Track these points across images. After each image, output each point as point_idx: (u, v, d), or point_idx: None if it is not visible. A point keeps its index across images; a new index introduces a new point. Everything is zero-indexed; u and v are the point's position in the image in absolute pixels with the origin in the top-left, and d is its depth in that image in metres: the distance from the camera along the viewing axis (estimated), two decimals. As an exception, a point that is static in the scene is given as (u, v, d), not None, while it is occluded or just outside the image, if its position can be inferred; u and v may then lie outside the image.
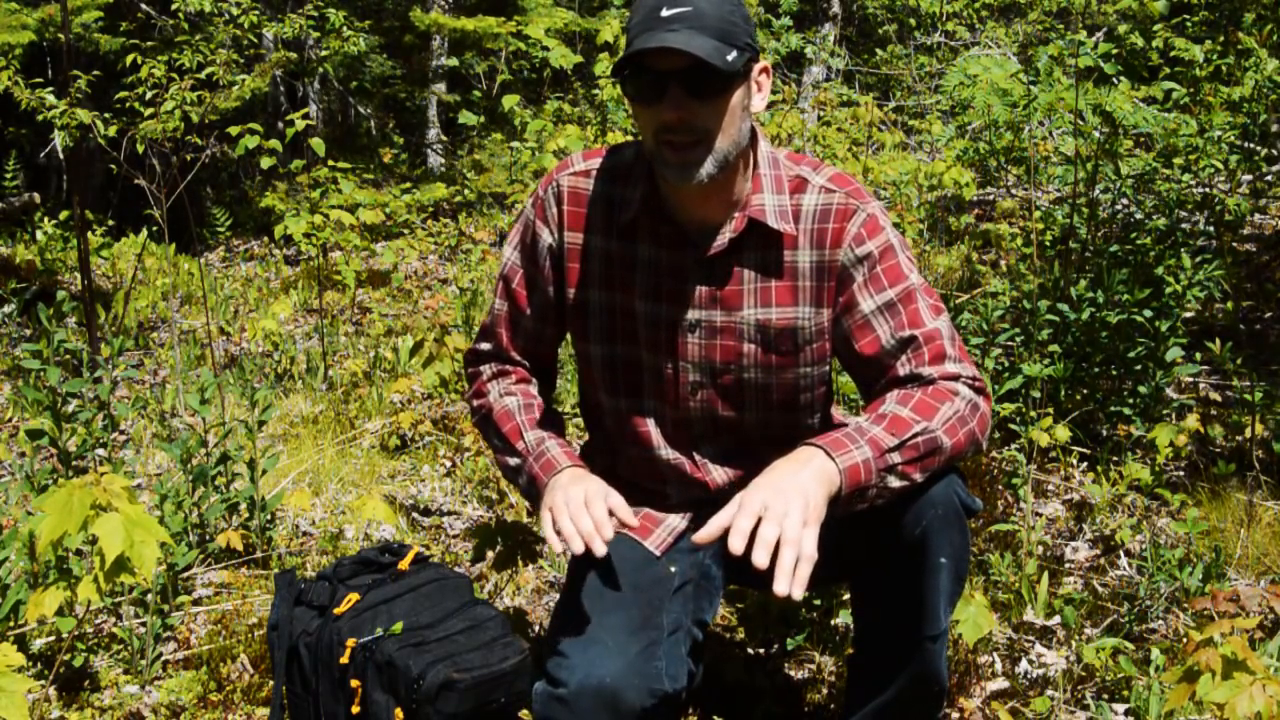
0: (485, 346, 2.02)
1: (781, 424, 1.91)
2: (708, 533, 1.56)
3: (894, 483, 1.66)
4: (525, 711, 1.92)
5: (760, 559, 1.50)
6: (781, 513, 1.53)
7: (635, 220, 1.83)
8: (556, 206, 1.89)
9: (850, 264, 1.78)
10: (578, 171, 1.89)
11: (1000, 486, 3.27)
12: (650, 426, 1.92)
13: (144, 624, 2.54)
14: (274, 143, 4.64)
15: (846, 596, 2.54)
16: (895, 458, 1.64)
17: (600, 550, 1.64)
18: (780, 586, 1.49)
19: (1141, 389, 3.55)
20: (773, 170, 1.82)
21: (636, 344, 1.89)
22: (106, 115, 4.59)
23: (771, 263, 1.81)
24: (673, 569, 1.85)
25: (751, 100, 1.76)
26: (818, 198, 1.80)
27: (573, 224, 1.89)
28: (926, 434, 1.66)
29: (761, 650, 2.53)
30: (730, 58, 1.66)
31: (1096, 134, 4.30)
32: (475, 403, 2.01)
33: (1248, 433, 3.55)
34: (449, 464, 3.83)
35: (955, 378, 1.74)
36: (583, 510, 1.67)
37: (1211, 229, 4.79)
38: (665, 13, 1.65)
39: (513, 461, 1.90)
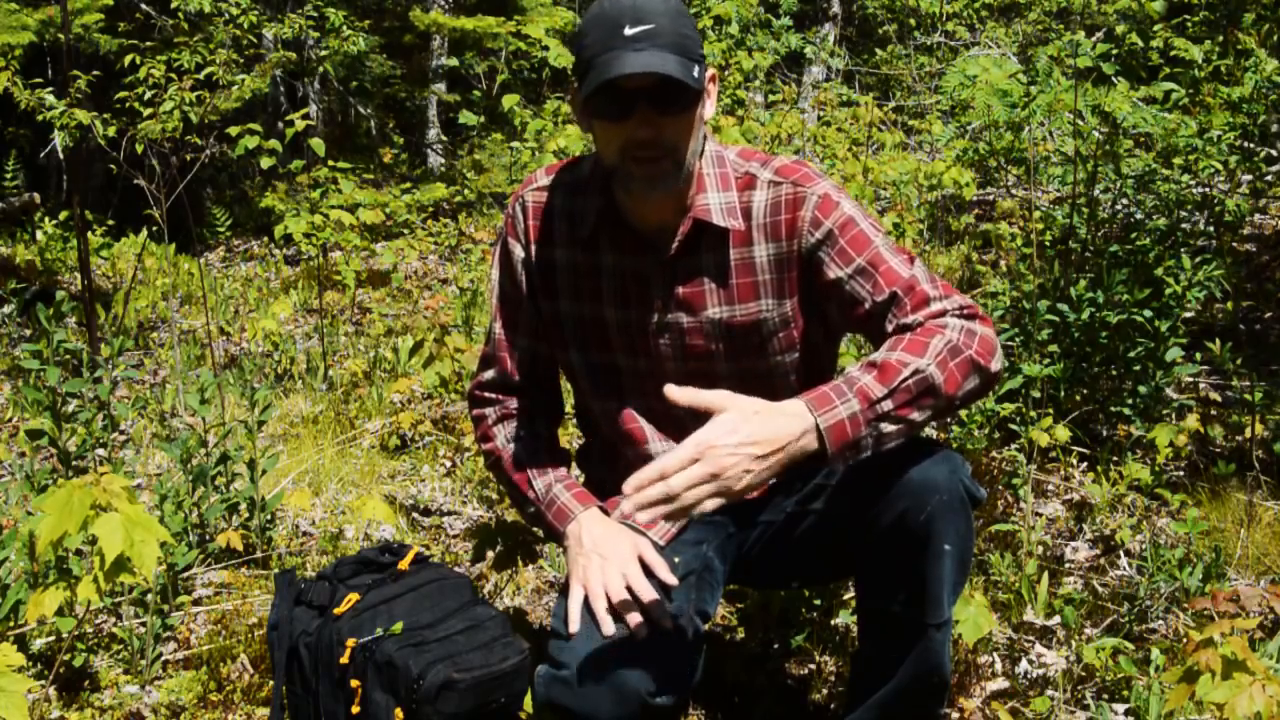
0: (489, 376, 2.04)
1: None
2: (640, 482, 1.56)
3: (890, 428, 1.65)
4: (525, 712, 1.92)
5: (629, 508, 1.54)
6: (690, 480, 1.54)
7: (595, 231, 1.88)
8: (524, 221, 1.95)
9: (814, 247, 1.82)
10: (540, 187, 1.95)
11: (1000, 486, 3.27)
12: (641, 423, 1.97)
13: (144, 624, 2.54)
14: (274, 143, 4.64)
15: (846, 596, 2.55)
16: (886, 405, 1.64)
17: (644, 634, 1.72)
18: (625, 506, 1.53)
19: (1141, 389, 3.55)
20: (717, 169, 1.86)
21: (611, 349, 1.94)
22: (106, 115, 4.59)
23: (729, 262, 1.86)
24: (676, 560, 1.87)
25: (706, 109, 1.81)
26: (766, 193, 1.84)
27: (539, 237, 1.94)
28: (917, 374, 1.65)
29: (761, 650, 2.53)
30: (695, 73, 1.70)
31: (1096, 134, 4.30)
32: (484, 446, 2.06)
33: (1248, 433, 3.54)
34: (449, 464, 3.83)
35: (942, 313, 1.75)
36: (624, 595, 1.74)
37: (1211, 229, 4.78)
38: (629, 31, 1.67)
39: (529, 509, 1.99)
